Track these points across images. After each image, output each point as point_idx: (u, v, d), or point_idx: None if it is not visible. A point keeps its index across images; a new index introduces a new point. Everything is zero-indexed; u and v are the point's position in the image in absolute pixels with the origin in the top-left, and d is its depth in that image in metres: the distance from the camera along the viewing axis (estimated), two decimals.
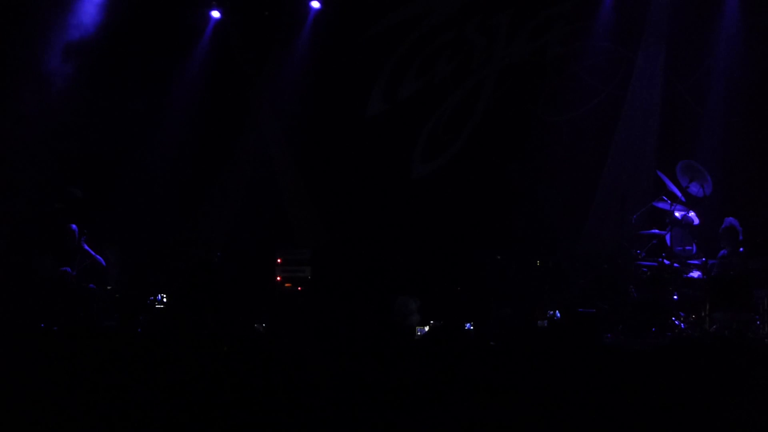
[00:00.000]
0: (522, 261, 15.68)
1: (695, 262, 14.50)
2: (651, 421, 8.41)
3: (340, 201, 17.69)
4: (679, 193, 14.82)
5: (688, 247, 14.75)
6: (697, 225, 14.88)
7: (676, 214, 14.70)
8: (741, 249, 14.08)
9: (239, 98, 18.30)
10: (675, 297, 14.25)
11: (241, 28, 18.28)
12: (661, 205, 14.86)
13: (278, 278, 15.92)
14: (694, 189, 14.89)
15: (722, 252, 14.24)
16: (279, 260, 16.11)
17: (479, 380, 8.96)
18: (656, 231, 14.87)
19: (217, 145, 18.13)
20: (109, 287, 15.33)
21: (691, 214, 14.81)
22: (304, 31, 18.08)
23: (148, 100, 17.47)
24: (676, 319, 14.03)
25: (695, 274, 14.44)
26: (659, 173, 15.12)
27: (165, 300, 14.94)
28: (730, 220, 14.34)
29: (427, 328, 13.47)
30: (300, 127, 18.08)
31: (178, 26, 17.86)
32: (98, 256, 14.94)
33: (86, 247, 14.88)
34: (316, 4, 17.93)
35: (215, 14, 18.07)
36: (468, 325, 13.91)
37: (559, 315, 13.84)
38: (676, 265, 14.44)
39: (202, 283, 14.46)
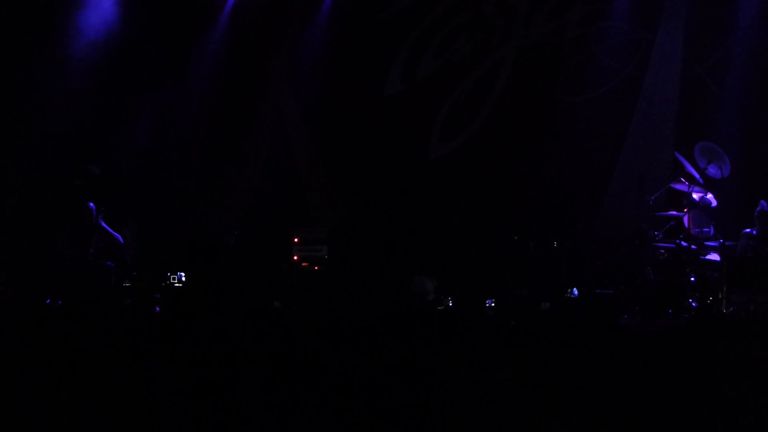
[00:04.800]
0: (539, 242, 15.69)
1: (713, 243, 14.49)
2: (665, 402, 8.39)
3: (357, 181, 17.68)
4: (697, 175, 14.81)
5: (705, 229, 14.73)
6: (714, 207, 14.84)
7: (694, 195, 14.69)
8: None
9: (257, 78, 18.29)
10: (692, 279, 14.25)
11: (260, 7, 18.27)
12: (678, 186, 14.84)
13: (295, 258, 15.95)
14: (712, 171, 14.87)
15: (753, 232, 14.27)
16: (296, 239, 16.13)
17: (497, 358, 8.96)
18: (674, 213, 14.86)
19: (234, 124, 18.14)
20: (127, 264, 15.37)
21: (709, 196, 14.78)
22: (322, 10, 18.05)
23: (166, 81, 17.48)
24: (693, 301, 14.03)
25: (713, 256, 14.43)
26: (677, 155, 15.11)
27: (182, 278, 14.96)
28: (764, 203, 14.34)
29: (442, 307, 13.51)
30: (318, 106, 18.06)
31: (196, 7, 17.90)
32: (116, 234, 14.96)
33: (104, 224, 14.90)
34: None
35: None
36: (489, 302, 13.94)
37: (576, 294, 13.88)
38: (693, 247, 14.43)
39: (219, 261, 14.49)
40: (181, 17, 17.58)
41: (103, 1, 17.09)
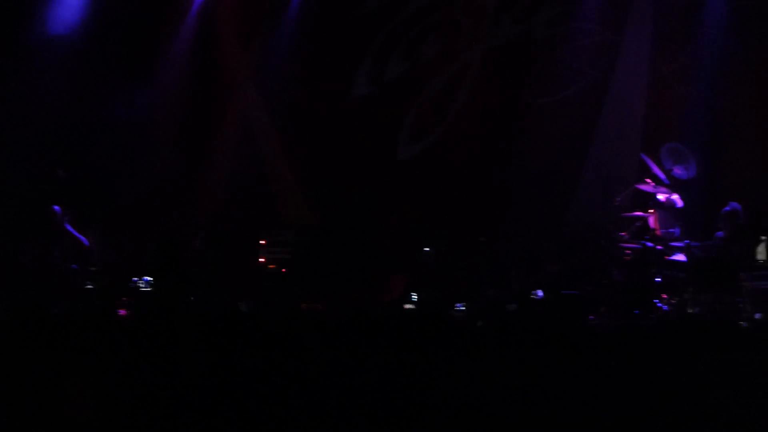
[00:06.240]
0: (506, 243, 15.73)
1: (678, 244, 14.54)
2: (633, 402, 8.43)
3: (326, 182, 17.67)
4: (663, 176, 14.88)
5: (671, 230, 14.79)
6: (680, 208, 14.90)
7: (660, 196, 14.75)
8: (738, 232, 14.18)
9: (225, 78, 18.25)
10: (658, 279, 14.30)
11: (227, 6, 18.24)
12: (644, 187, 14.90)
13: (262, 259, 15.91)
14: (678, 172, 14.94)
15: (719, 232, 14.32)
16: (263, 241, 16.09)
17: (464, 359, 8.98)
18: (640, 213, 14.91)
19: (202, 125, 18.09)
20: (93, 268, 15.29)
21: (675, 196, 14.84)
22: (290, 10, 18.03)
23: (133, 82, 17.40)
24: (659, 302, 14.07)
25: (678, 256, 14.48)
26: (643, 156, 15.17)
27: (148, 282, 14.90)
28: (734, 204, 14.39)
29: (412, 306, 13.51)
30: (286, 107, 18.03)
31: (164, 5, 17.84)
32: (81, 236, 14.90)
33: (69, 228, 14.84)
34: None
35: None
36: (459, 305, 13.94)
37: (541, 295, 13.91)
38: (659, 247, 14.49)
39: (185, 264, 14.44)
40: (149, 16, 17.54)
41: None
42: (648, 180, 14.88)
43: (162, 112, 17.89)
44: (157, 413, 8.25)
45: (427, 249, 16.04)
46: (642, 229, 14.80)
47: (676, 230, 14.81)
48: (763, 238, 14.38)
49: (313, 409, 8.29)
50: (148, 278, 14.77)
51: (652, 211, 14.81)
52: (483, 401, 8.39)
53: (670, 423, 8.17)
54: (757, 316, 13.08)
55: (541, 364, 8.94)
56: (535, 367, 8.86)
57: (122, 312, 13.27)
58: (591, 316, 13.67)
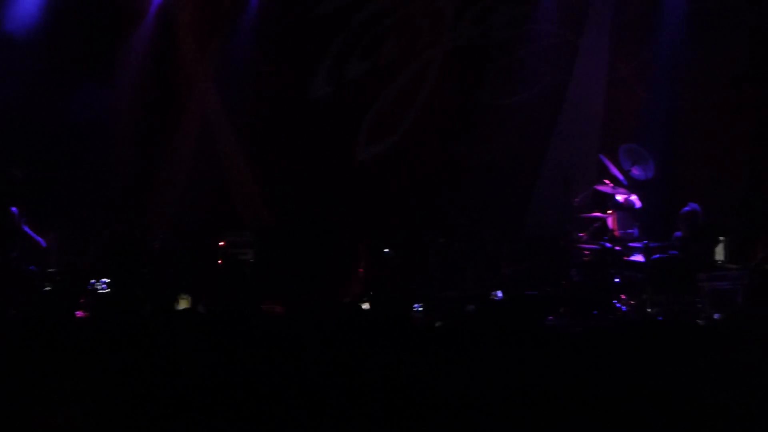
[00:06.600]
0: (465, 243, 15.75)
1: (637, 245, 14.61)
2: (592, 403, 8.42)
3: (284, 182, 17.65)
4: (621, 177, 14.94)
5: (630, 231, 14.86)
6: (639, 208, 14.97)
7: (618, 197, 14.81)
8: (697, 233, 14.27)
9: (183, 79, 18.20)
10: (617, 280, 14.36)
11: (186, 7, 18.17)
12: (603, 188, 14.95)
13: (221, 261, 15.86)
14: (637, 173, 15.01)
15: (678, 233, 14.39)
16: (222, 243, 16.05)
17: (422, 360, 8.94)
18: (598, 214, 14.97)
19: (160, 126, 18.03)
20: (50, 270, 15.20)
21: (633, 197, 14.90)
22: (249, 11, 18.00)
23: (91, 82, 17.29)
24: (617, 302, 14.13)
25: (637, 257, 14.55)
26: (601, 157, 15.23)
27: (106, 284, 14.82)
28: (693, 205, 14.47)
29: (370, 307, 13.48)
30: (245, 107, 18.00)
31: (122, 6, 17.77)
32: (38, 237, 14.80)
33: (26, 229, 14.74)
34: None
35: None
36: (417, 306, 13.94)
37: (500, 296, 13.93)
38: (617, 248, 14.56)
39: (143, 265, 14.36)
40: (108, 15, 17.46)
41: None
42: (606, 181, 14.93)
43: (120, 112, 17.82)
44: (117, 416, 8.19)
45: (387, 250, 16.05)
46: (601, 230, 14.86)
47: (635, 231, 14.89)
48: (722, 238, 14.50)
49: (267, 409, 8.26)
50: (106, 280, 14.69)
51: (610, 211, 14.88)
52: (439, 402, 8.37)
53: (630, 423, 8.18)
54: (716, 316, 13.16)
55: (498, 365, 8.94)
56: (492, 368, 8.86)
57: (80, 314, 13.18)
58: (550, 317, 13.71)
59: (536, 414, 8.27)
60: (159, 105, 17.98)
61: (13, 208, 14.75)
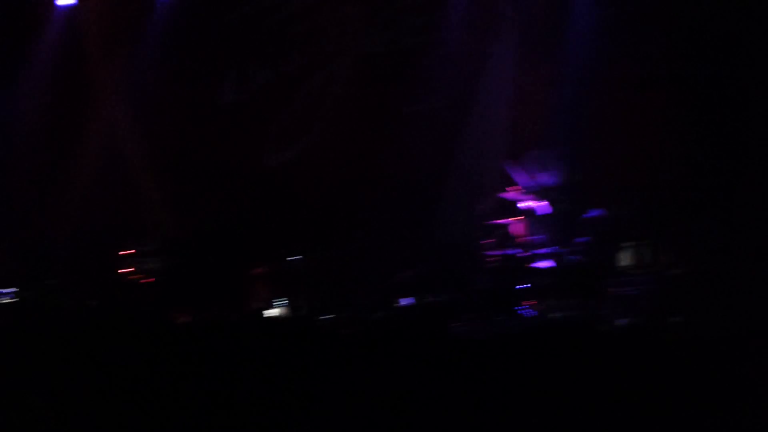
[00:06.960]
0: (373, 251, 15.77)
1: (543, 251, 14.72)
2: (497, 408, 8.46)
3: (192, 190, 17.54)
4: (528, 183, 15.04)
5: (536, 237, 14.98)
6: (545, 215, 15.09)
7: (525, 203, 14.92)
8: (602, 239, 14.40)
9: (90, 86, 18.03)
10: (522, 286, 14.45)
11: (92, 13, 18.01)
12: (510, 195, 15.06)
13: (128, 269, 15.74)
14: (544, 179, 15.13)
15: (584, 239, 14.52)
16: (130, 251, 15.93)
17: (328, 368, 8.94)
18: (505, 221, 15.07)
19: (67, 131, 17.85)
20: None
21: (540, 203, 15.02)
22: (157, 16, 17.89)
23: None
24: (522, 308, 14.21)
25: (543, 263, 14.66)
26: (508, 163, 15.33)
27: (12, 292, 14.66)
28: (597, 210, 14.61)
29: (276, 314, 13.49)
30: (152, 114, 17.87)
31: (27, 11, 17.58)
32: None
33: None
34: None
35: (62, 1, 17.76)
36: (324, 314, 13.94)
37: (408, 303, 13.97)
38: (524, 254, 14.66)
39: (51, 274, 14.23)
40: (13, 18, 17.26)
41: None
42: (513, 187, 15.04)
43: (26, 117, 17.61)
44: (29, 424, 8.11)
45: (294, 257, 16.03)
46: (507, 236, 14.97)
47: (541, 237, 15.00)
48: (626, 244, 14.65)
49: (167, 416, 8.21)
50: (12, 289, 14.55)
51: (517, 218, 14.98)
52: (345, 411, 8.37)
53: (536, 428, 8.24)
54: (621, 321, 13.29)
55: (404, 372, 8.95)
56: (398, 374, 8.87)
57: None
58: (454, 323, 13.75)
59: (442, 419, 8.30)
60: (65, 109, 17.79)
61: None
